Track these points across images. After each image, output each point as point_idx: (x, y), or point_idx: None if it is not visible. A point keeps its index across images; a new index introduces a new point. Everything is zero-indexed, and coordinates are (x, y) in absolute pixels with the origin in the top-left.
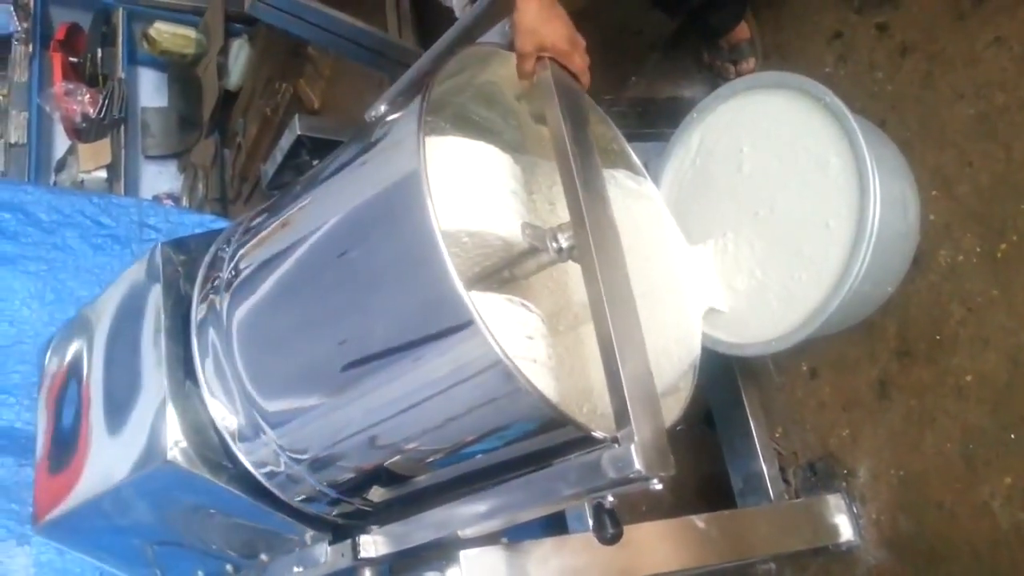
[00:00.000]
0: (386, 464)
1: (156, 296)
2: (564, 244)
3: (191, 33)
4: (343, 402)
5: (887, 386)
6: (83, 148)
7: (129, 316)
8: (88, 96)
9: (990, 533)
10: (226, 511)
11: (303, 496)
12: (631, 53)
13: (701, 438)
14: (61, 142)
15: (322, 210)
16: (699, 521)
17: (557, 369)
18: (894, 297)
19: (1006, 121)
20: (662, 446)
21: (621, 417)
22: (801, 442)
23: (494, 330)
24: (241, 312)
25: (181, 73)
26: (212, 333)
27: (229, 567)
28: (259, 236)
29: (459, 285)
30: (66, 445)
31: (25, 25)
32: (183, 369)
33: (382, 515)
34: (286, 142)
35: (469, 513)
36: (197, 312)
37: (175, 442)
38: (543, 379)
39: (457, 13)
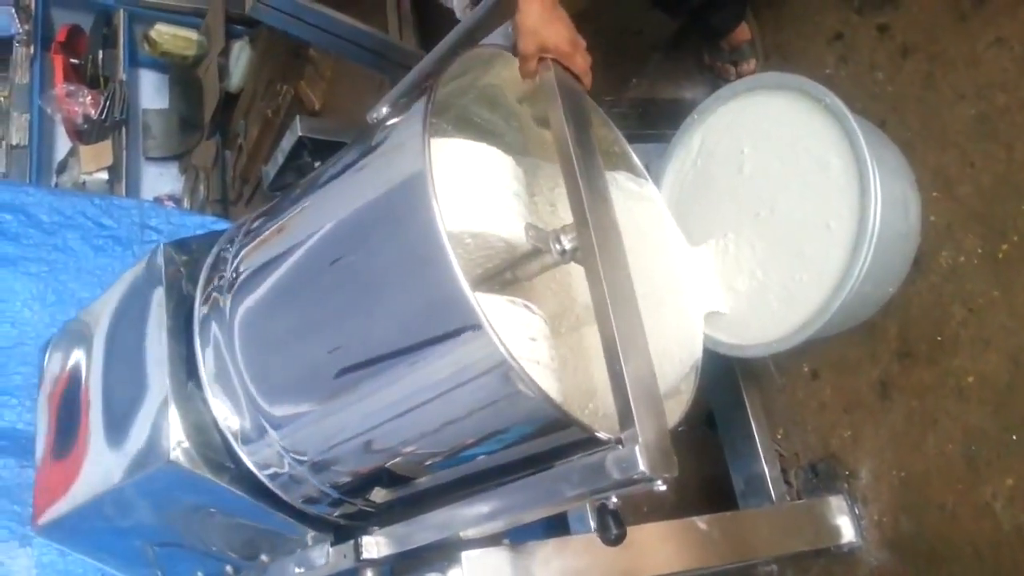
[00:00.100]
0: (389, 465)
1: (158, 297)
2: (567, 246)
3: (192, 35)
4: (346, 404)
5: (888, 387)
6: (84, 150)
7: (131, 317)
8: (89, 98)
9: (992, 534)
10: (228, 511)
11: (305, 497)
12: (632, 54)
13: (702, 439)
14: (62, 144)
15: (326, 211)
16: (701, 522)
17: (560, 371)
18: (895, 298)
19: (1007, 122)
20: (666, 447)
21: (625, 418)
22: (802, 443)
23: (498, 332)
24: (244, 313)
25: (182, 75)
26: (215, 334)
27: (229, 568)
28: (262, 237)
29: (466, 287)
30: (66, 445)
31: (26, 27)
32: (185, 369)
33: (384, 516)
34: (287, 143)
35: (472, 514)
36: (200, 312)
37: (177, 442)
38: (546, 381)
39: (458, 14)
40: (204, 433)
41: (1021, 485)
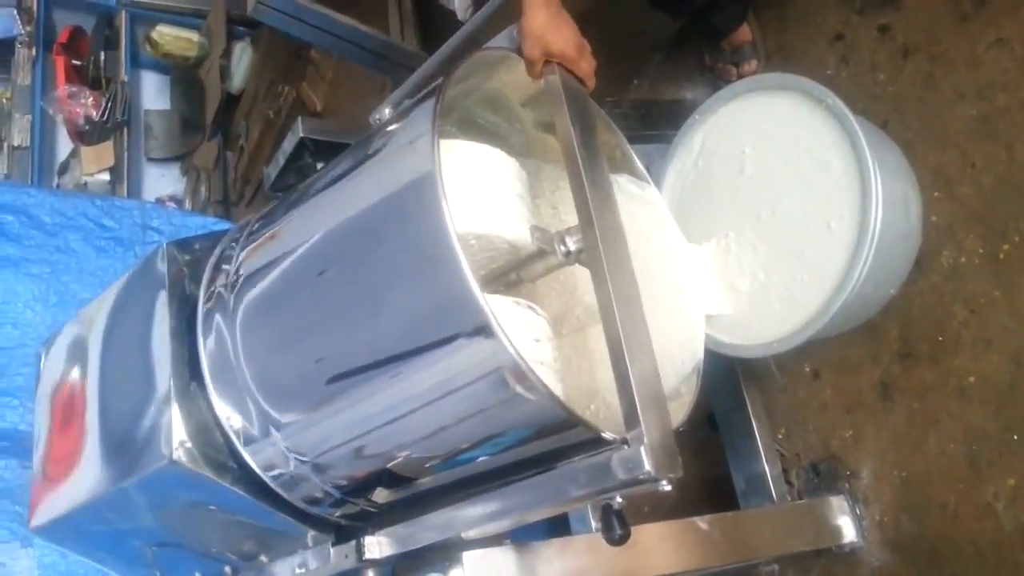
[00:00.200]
0: (393, 466)
1: (161, 296)
2: (572, 247)
3: (193, 36)
4: (351, 404)
5: (889, 387)
6: (86, 151)
7: (132, 317)
8: (91, 99)
9: (993, 534)
10: (229, 511)
11: (307, 497)
12: (633, 55)
13: (704, 439)
14: (64, 145)
15: (333, 211)
16: (702, 522)
17: (562, 371)
18: (896, 298)
19: (1008, 122)
20: (670, 447)
21: (631, 419)
22: (804, 443)
23: (506, 332)
24: (248, 312)
25: (183, 76)
26: (218, 333)
27: (228, 569)
28: (267, 237)
29: (475, 287)
30: (64, 446)
31: (28, 28)
32: (188, 369)
33: (385, 516)
34: (289, 144)
35: (475, 514)
36: (203, 312)
37: (180, 442)
38: (550, 382)
39: (460, 16)
40: (206, 433)
41: (1023, 485)
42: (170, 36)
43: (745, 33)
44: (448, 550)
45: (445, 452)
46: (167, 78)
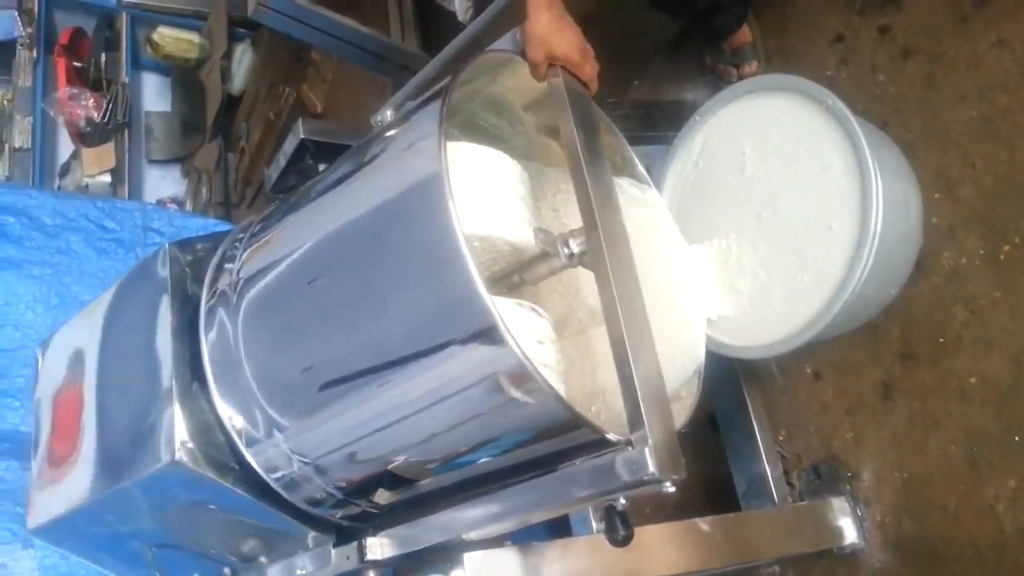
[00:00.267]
0: (396, 467)
1: (163, 296)
2: (575, 249)
3: (194, 38)
4: (354, 405)
5: (890, 388)
6: (87, 152)
7: (133, 316)
8: (92, 100)
9: (994, 535)
10: (230, 511)
11: (309, 498)
12: (634, 56)
13: (705, 441)
14: (65, 146)
15: (337, 212)
16: (703, 524)
17: (565, 373)
18: (897, 300)
19: (1009, 123)
20: (674, 449)
21: (635, 420)
22: (805, 445)
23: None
24: (251, 312)
25: (184, 78)
26: (220, 333)
27: (227, 570)
28: (270, 237)
29: (482, 288)
30: (65, 446)
31: (29, 30)
32: (190, 369)
33: (387, 518)
34: (289, 146)
35: (478, 515)
36: (206, 312)
37: (182, 442)
38: (553, 383)
39: (460, 17)
40: (208, 433)
41: (1023, 486)
42: (171, 38)
43: (745, 34)
44: (449, 551)
45: (448, 454)
46: (168, 80)
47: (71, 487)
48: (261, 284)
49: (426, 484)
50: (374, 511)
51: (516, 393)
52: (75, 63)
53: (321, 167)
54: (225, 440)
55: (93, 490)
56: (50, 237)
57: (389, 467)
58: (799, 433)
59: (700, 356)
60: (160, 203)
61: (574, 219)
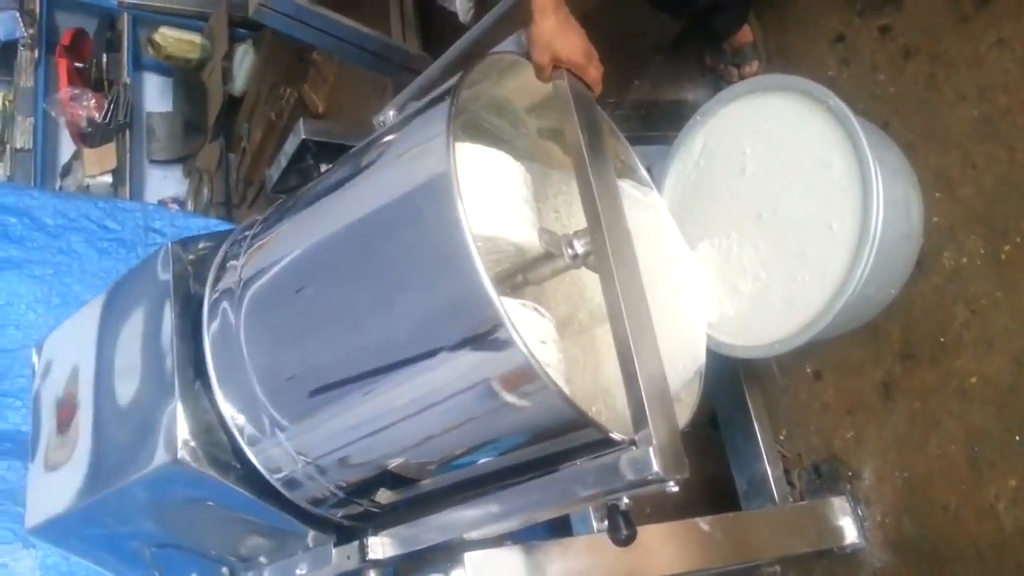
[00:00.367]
0: (399, 467)
1: (165, 295)
2: (579, 250)
3: (196, 38)
4: (358, 404)
5: (891, 388)
6: (88, 153)
7: (134, 315)
8: (93, 101)
9: (995, 535)
10: (231, 510)
11: (311, 497)
12: (635, 56)
13: (705, 440)
14: (66, 147)
15: (343, 211)
16: (703, 523)
17: (568, 373)
18: (897, 299)
19: (1009, 123)
20: (677, 448)
21: (639, 420)
22: (805, 444)
23: (519, 332)
24: (254, 311)
25: (186, 78)
26: (223, 332)
27: (225, 570)
28: (273, 237)
29: (490, 287)
30: (65, 445)
31: (31, 31)
32: (193, 368)
33: (388, 517)
34: (291, 146)
35: (481, 515)
36: (209, 311)
37: (184, 441)
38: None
39: (461, 18)
40: (211, 432)
41: None
42: (172, 38)
43: (746, 34)
44: (450, 551)
45: (452, 453)
46: (169, 80)
47: (69, 487)
48: (265, 282)
49: (429, 483)
50: (376, 510)
51: (521, 392)
52: (77, 64)
53: (322, 167)
54: (227, 439)
55: (92, 489)
56: (52, 237)
57: (392, 467)
58: (800, 433)
59: (701, 356)
60: (161, 203)
61: (575, 221)
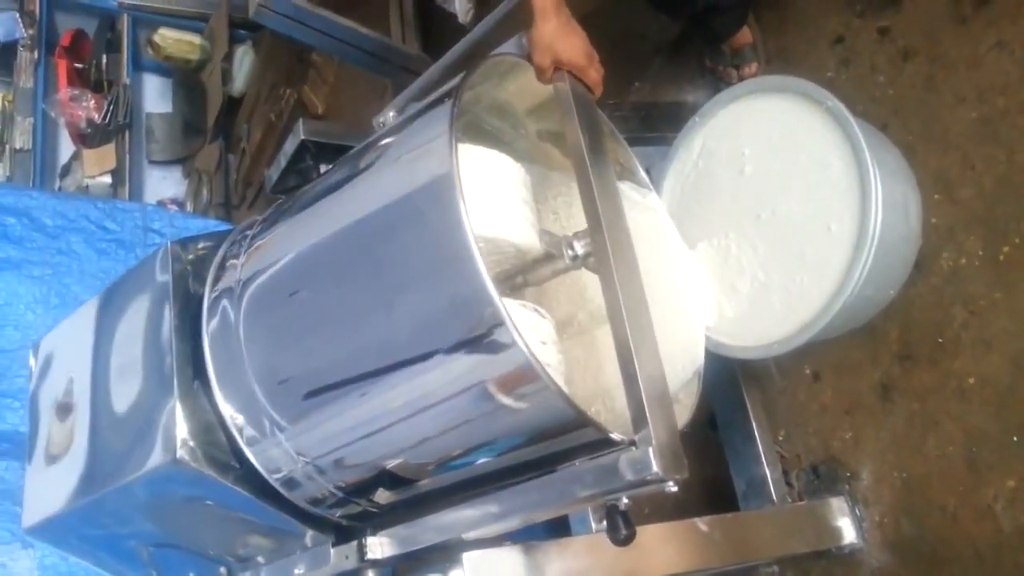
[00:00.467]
0: (399, 467)
1: (164, 295)
2: (580, 251)
3: (195, 39)
4: (358, 404)
5: (889, 389)
6: (88, 153)
7: (133, 315)
8: (93, 102)
9: (993, 536)
10: (229, 509)
11: (310, 496)
12: (635, 58)
13: (704, 441)
14: (66, 147)
15: (344, 211)
16: (702, 524)
17: (568, 374)
18: (896, 300)
19: (1008, 124)
20: (677, 449)
21: (639, 420)
22: (804, 445)
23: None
24: (254, 311)
25: (185, 79)
26: (223, 332)
27: (223, 570)
28: (273, 236)
29: (491, 287)
30: (62, 444)
31: (31, 31)
32: (192, 368)
33: (386, 517)
34: (290, 146)
35: (479, 515)
36: (208, 311)
37: (183, 440)
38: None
39: (461, 19)
40: (210, 432)
41: (1022, 487)
42: (172, 39)
43: (746, 36)
44: (448, 551)
45: (452, 453)
46: (169, 81)
47: (66, 486)
48: (265, 282)
49: (427, 484)
50: (374, 510)
51: (522, 393)
52: (76, 64)
53: (322, 168)
54: (226, 439)
55: (90, 489)
56: (51, 238)
57: (391, 467)
58: (798, 433)
59: (700, 358)
60: (161, 204)
61: (574, 223)
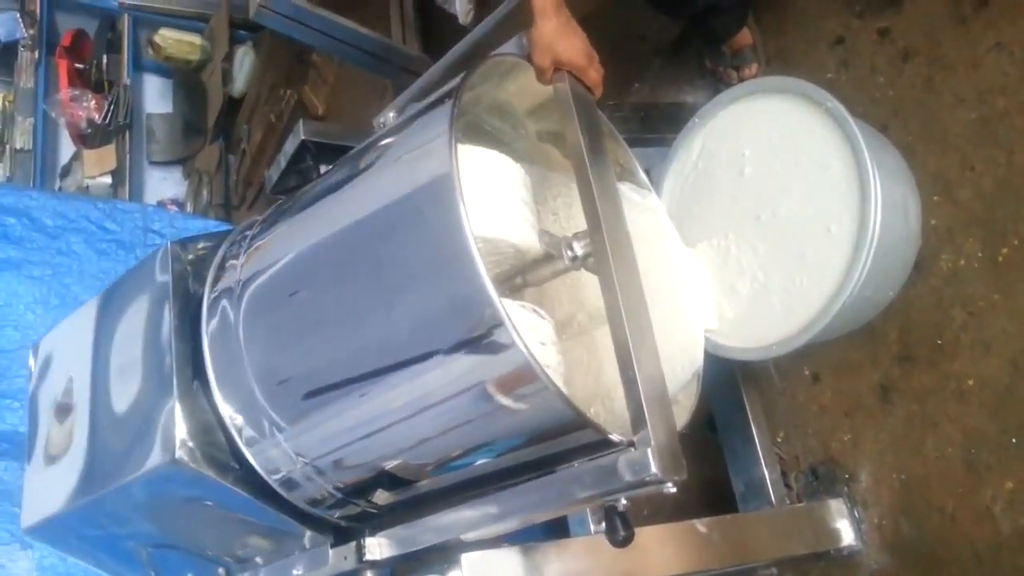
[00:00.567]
0: (398, 468)
1: (164, 295)
2: (579, 252)
3: (196, 40)
4: (357, 405)
5: (889, 391)
6: (88, 154)
7: (133, 315)
8: (93, 102)
9: (991, 537)
10: (228, 510)
11: (309, 497)
12: (634, 58)
13: (703, 442)
14: (66, 148)
15: (342, 211)
16: (701, 525)
17: (567, 375)
18: (895, 302)
19: (1007, 125)
20: (676, 450)
21: (637, 422)
22: (803, 446)
23: (519, 333)
24: (254, 312)
25: (186, 79)
26: (222, 332)
27: (221, 570)
28: (273, 237)
29: (490, 287)
30: (63, 445)
31: (31, 31)
32: (191, 368)
33: (385, 518)
34: (290, 147)
35: (478, 516)
36: (208, 311)
37: (182, 441)
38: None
39: (461, 19)
40: (209, 433)
41: (1021, 488)
42: (172, 40)
43: (745, 37)
44: (447, 552)
45: (450, 454)
46: (169, 81)
47: (65, 486)
48: (264, 283)
49: (426, 484)
50: (373, 511)
51: (521, 393)
52: (77, 65)
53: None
54: (225, 439)
55: (89, 489)
56: (51, 238)
57: (390, 468)
58: (797, 435)
59: (699, 359)
60: (161, 204)
61: (574, 223)
